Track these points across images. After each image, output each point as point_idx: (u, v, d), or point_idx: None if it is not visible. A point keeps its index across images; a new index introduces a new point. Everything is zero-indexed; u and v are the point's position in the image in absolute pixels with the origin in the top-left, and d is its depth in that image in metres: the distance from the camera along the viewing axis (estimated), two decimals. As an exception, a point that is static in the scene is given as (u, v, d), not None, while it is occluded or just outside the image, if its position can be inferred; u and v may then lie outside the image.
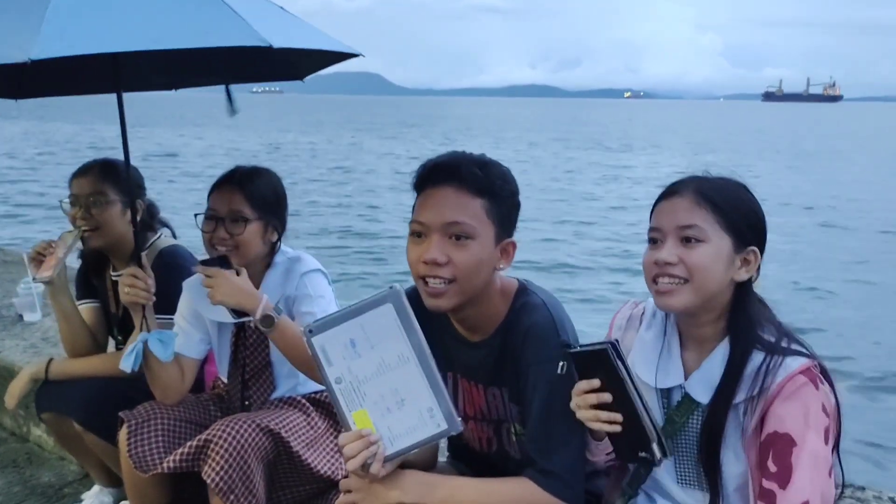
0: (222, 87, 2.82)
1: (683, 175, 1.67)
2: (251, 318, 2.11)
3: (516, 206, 1.73)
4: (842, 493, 1.65)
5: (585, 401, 1.57)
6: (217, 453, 2.09)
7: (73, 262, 2.80)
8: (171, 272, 2.49)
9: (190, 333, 2.42)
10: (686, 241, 1.57)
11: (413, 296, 1.67)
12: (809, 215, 19.05)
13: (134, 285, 2.19)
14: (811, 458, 1.48)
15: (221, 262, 2.18)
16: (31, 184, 22.66)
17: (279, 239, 2.40)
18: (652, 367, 1.70)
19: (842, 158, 38.52)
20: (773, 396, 1.52)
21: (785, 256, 13.46)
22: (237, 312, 2.14)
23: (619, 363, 1.53)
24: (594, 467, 1.82)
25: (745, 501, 1.59)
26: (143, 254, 2.35)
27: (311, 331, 1.53)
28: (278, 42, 1.88)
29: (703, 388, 1.62)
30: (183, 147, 37.96)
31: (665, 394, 1.69)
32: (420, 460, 1.72)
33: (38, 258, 2.56)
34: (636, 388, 1.54)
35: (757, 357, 1.56)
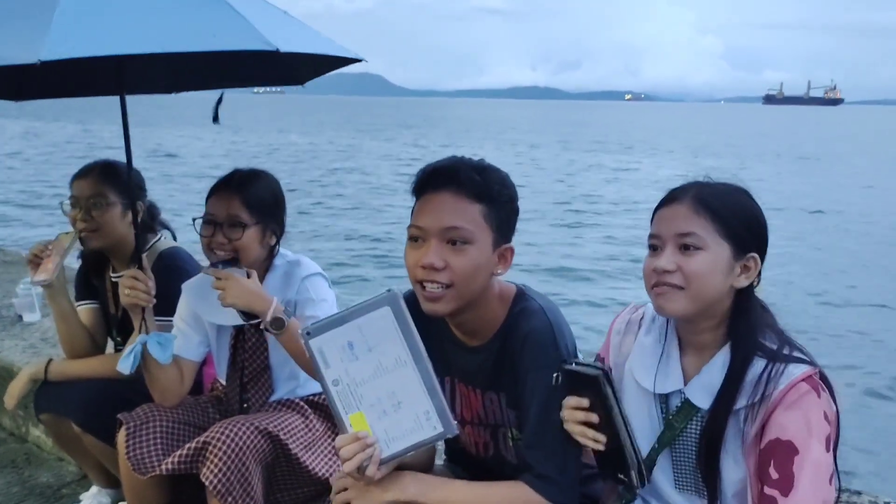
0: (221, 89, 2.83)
1: (684, 181, 1.67)
2: (260, 321, 2.11)
3: (515, 212, 1.73)
4: (838, 497, 1.65)
5: (573, 416, 1.60)
6: (215, 455, 2.09)
7: (73, 263, 2.80)
8: (171, 274, 2.49)
9: (189, 336, 2.42)
10: (684, 248, 1.56)
11: (411, 300, 1.67)
12: (812, 218, 19.06)
13: (134, 287, 2.19)
14: (814, 466, 1.48)
15: (231, 263, 2.19)
16: (31, 183, 22.66)
17: (278, 242, 2.40)
18: (651, 371, 1.69)
19: (843, 161, 38.54)
20: (774, 404, 1.52)
21: (785, 260, 13.46)
22: (246, 315, 2.14)
23: (610, 391, 1.54)
24: (590, 471, 1.82)
25: (743, 508, 1.59)
26: (144, 255, 2.35)
27: (308, 333, 1.54)
28: (285, 46, 1.88)
29: (702, 394, 1.62)
30: (181, 148, 37.91)
31: (663, 399, 1.69)
32: (416, 463, 1.73)
33: (36, 260, 2.56)
34: (623, 417, 1.55)
35: (758, 364, 1.55)
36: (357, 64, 2.45)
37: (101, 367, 2.64)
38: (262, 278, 2.36)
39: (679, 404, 1.66)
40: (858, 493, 2.23)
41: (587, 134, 67.04)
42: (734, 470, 1.59)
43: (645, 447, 1.66)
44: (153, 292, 2.23)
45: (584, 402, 1.58)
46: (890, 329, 9.99)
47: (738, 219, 1.58)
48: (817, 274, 13.14)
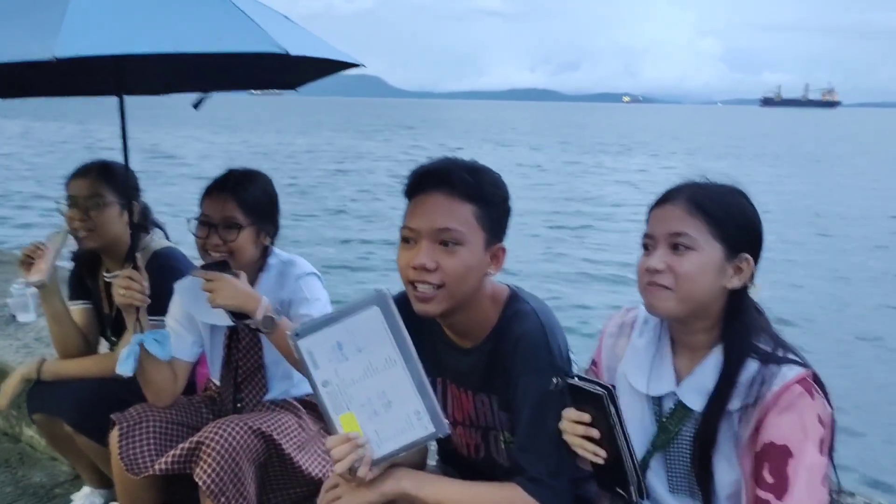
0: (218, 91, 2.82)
1: (680, 181, 1.67)
2: (250, 321, 2.11)
3: (507, 212, 1.73)
4: (832, 500, 1.65)
5: (573, 429, 1.56)
6: (209, 455, 2.08)
7: (65, 262, 2.79)
8: (164, 274, 2.48)
9: (182, 336, 2.41)
10: (676, 248, 1.56)
11: (403, 300, 1.67)
12: (812, 220, 19.06)
13: (129, 287, 2.18)
14: (808, 469, 1.48)
15: (221, 266, 2.18)
16: (29, 183, 22.62)
17: (272, 242, 2.40)
18: (644, 374, 1.69)
19: (842, 163, 38.58)
20: (768, 406, 1.51)
21: (785, 264, 13.45)
22: (236, 315, 2.14)
23: (613, 410, 1.50)
24: (584, 473, 1.82)
25: (737, 510, 1.58)
26: (138, 255, 2.34)
27: (297, 334, 1.53)
28: (294, 50, 1.86)
29: (695, 396, 1.61)
30: (178, 148, 37.87)
31: (657, 402, 1.69)
32: (408, 463, 1.72)
33: (28, 261, 2.55)
34: (625, 434, 1.51)
35: (752, 365, 1.55)
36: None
37: (94, 366, 2.63)
38: (255, 278, 2.36)
39: (672, 407, 1.66)
40: (852, 494, 2.23)
41: (586, 135, 67.05)
42: (728, 472, 1.58)
43: (639, 450, 1.64)
44: (148, 292, 2.22)
45: (586, 416, 1.54)
46: (890, 329, 9.99)
47: (731, 220, 1.58)
48: (817, 275, 13.14)
